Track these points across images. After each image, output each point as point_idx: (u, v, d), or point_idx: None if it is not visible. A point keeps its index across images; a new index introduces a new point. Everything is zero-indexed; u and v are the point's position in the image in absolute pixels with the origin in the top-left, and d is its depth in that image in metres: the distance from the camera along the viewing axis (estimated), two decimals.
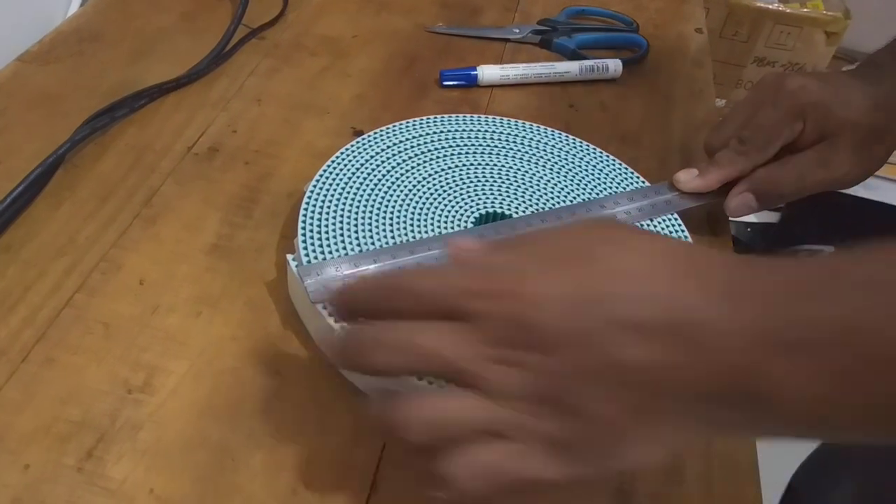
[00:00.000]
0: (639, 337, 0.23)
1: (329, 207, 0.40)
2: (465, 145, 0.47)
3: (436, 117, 0.48)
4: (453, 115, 0.49)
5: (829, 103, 0.42)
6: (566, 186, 0.45)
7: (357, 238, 0.39)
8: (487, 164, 0.45)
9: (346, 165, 0.43)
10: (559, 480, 0.24)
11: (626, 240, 0.26)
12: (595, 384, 0.24)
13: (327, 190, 0.41)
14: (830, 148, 0.42)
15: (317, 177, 0.42)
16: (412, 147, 0.46)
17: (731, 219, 0.45)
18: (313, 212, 0.40)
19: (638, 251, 0.25)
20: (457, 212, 0.42)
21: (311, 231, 0.39)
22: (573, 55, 0.61)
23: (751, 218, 1.26)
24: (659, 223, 0.43)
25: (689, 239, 0.42)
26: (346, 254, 0.38)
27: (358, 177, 0.43)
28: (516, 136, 0.48)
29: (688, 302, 0.23)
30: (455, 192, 0.43)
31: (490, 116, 0.49)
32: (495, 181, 0.44)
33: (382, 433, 0.29)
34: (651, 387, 0.24)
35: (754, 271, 0.24)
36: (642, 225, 0.42)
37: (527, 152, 0.47)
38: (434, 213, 0.41)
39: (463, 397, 0.25)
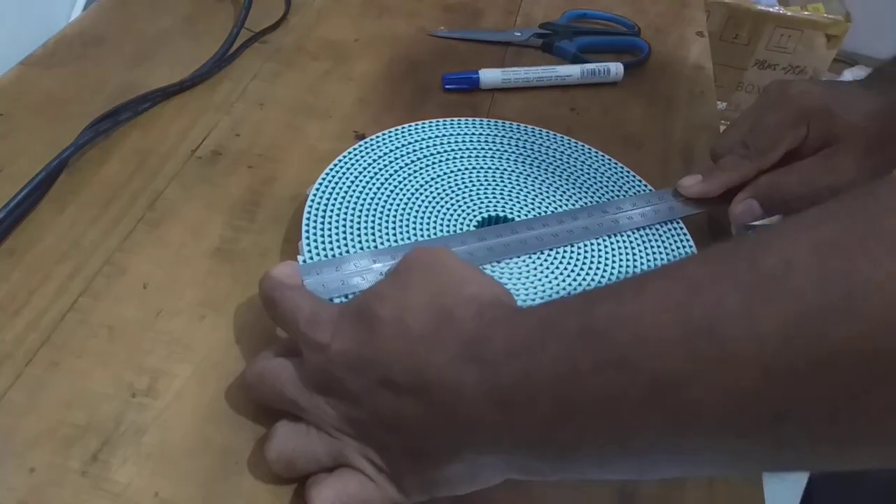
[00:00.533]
0: (396, 394, 0.27)
1: (332, 211, 0.40)
2: (468, 149, 0.47)
3: (438, 121, 0.48)
4: (455, 119, 0.49)
5: (833, 108, 0.41)
6: (568, 189, 0.45)
7: (360, 241, 0.39)
8: (490, 168, 0.46)
9: (348, 169, 0.43)
10: (395, 500, 0.29)
11: (412, 293, 0.29)
12: (388, 432, 0.28)
13: (330, 193, 0.42)
14: (836, 153, 0.42)
15: (319, 180, 0.42)
16: (414, 151, 0.46)
17: (733, 224, 0.45)
18: (317, 215, 0.40)
19: (410, 310, 0.28)
20: (459, 215, 0.42)
21: (315, 235, 0.39)
22: (574, 59, 0.61)
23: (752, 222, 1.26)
24: (662, 227, 0.43)
25: (693, 246, 0.42)
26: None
27: (361, 180, 0.43)
28: (518, 139, 0.48)
29: (431, 364, 0.26)
30: (457, 195, 0.43)
31: (492, 120, 0.49)
32: (497, 185, 0.44)
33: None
34: (418, 435, 0.27)
35: (494, 329, 0.26)
36: (648, 230, 0.43)
37: (529, 156, 0.47)
38: (437, 216, 0.42)
39: (313, 434, 0.29)
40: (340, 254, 0.38)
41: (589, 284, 0.39)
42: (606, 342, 0.23)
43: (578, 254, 0.40)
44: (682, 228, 0.43)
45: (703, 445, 0.23)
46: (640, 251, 0.41)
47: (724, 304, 0.21)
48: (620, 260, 0.41)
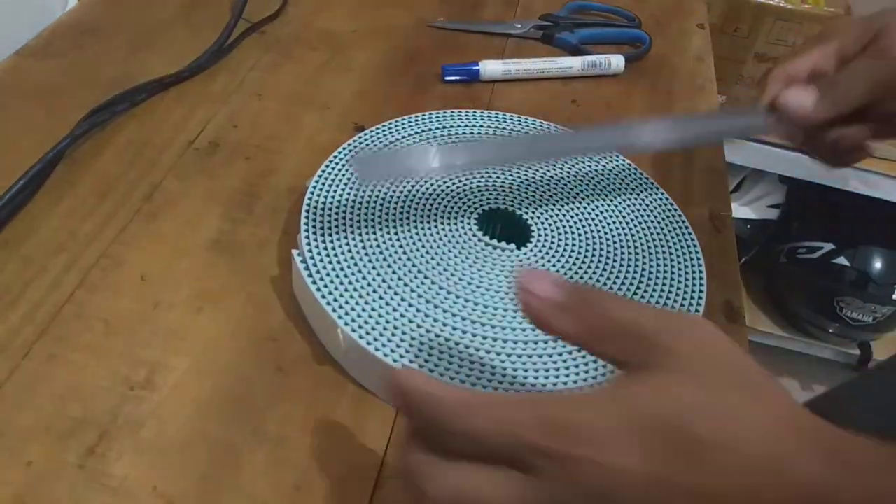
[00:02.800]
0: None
1: (332, 203, 0.40)
2: (468, 141, 0.46)
3: (438, 113, 0.48)
4: (456, 111, 0.48)
5: None
6: (569, 182, 0.45)
7: (360, 234, 0.39)
8: None
9: (348, 161, 0.43)
10: None
11: (727, 404, 0.23)
12: None
13: (329, 185, 0.41)
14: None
15: (319, 173, 0.42)
16: (414, 143, 0.45)
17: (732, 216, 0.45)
18: (316, 207, 0.40)
19: (735, 428, 0.22)
20: (460, 207, 0.42)
21: (315, 227, 0.38)
22: (575, 50, 0.60)
23: (750, 214, 1.26)
24: (664, 218, 0.43)
25: (695, 239, 0.42)
26: (349, 249, 0.38)
27: None
28: (519, 131, 0.48)
29: (763, 496, 0.21)
30: (458, 187, 0.43)
31: (493, 112, 0.49)
32: (498, 177, 0.44)
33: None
34: None
35: (843, 477, 0.22)
36: (652, 229, 0.42)
37: None
38: (437, 209, 0.41)
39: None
40: (341, 246, 0.38)
41: (592, 274, 0.39)
42: None
43: (580, 244, 0.40)
44: (682, 219, 0.43)
45: None
46: (640, 241, 0.41)
47: None
48: (622, 250, 0.40)
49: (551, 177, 0.45)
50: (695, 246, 0.42)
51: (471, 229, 0.40)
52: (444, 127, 0.47)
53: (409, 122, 0.47)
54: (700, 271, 0.40)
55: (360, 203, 0.41)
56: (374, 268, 0.37)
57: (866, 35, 0.38)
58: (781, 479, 0.21)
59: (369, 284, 0.36)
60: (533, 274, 0.25)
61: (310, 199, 0.40)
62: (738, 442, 0.22)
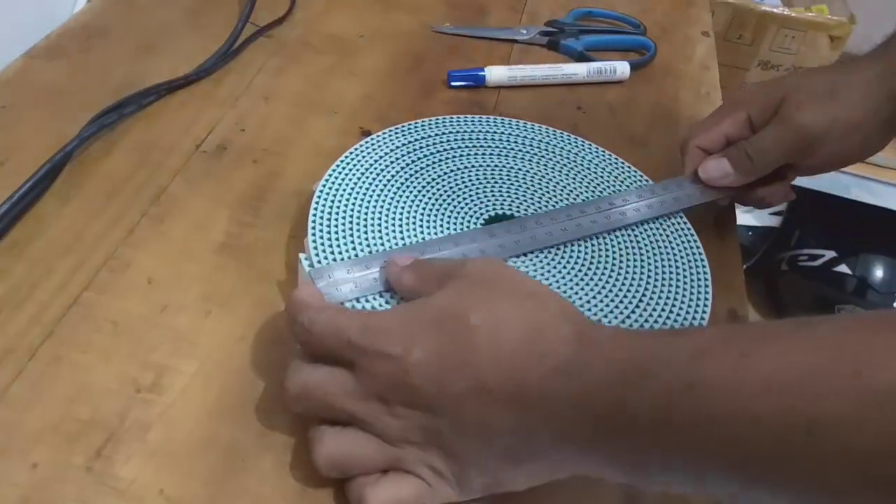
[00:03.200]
0: (489, 404, 0.27)
1: (339, 207, 0.40)
2: (474, 146, 0.46)
3: (444, 118, 0.48)
4: (462, 116, 0.48)
5: (834, 135, 0.42)
6: (575, 188, 0.45)
7: (367, 238, 0.39)
8: (496, 166, 0.45)
9: (355, 165, 0.43)
10: (449, 501, 0.29)
11: (498, 303, 0.29)
12: (466, 439, 0.28)
13: (337, 190, 0.41)
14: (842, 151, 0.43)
15: (326, 176, 0.42)
16: (421, 148, 0.45)
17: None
18: (323, 212, 0.40)
19: (502, 320, 0.28)
20: (466, 213, 0.42)
21: (322, 230, 0.39)
22: (580, 57, 0.61)
23: (752, 222, 1.26)
24: (666, 223, 0.43)
25: (700, 246, 0.42)
26: (357, 254, 0.38)
27: (367, 177, 0.43)
28: (524, 137, 0.48)
29: (528, 375, 0.27)
30: (464, 193, 0.43)
31: (499, 118, 0.49)
32: (504, 182, 0.44)
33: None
34: (505, 441, 0.28)
35: (595, 354, 0.27)
36: (653, 227, 0.42)
37: (535, 154, 0.47)
38: (443, 213, 0.41)
39: (367, 440, 0.29)
40: (347, 250, 0.38)
41: (598, 283, 0.39)
42: (704, 406, 0.24)
43: (586, 252, 0.40)
44: (687, 226, 0.43)
45: (784, 495, 0.24)
46: (646, 248, 0.41)
47: (824, 404, 0.22)
48: (628, 258, 0.40)
49: (556, 183, 0.45)
50: (700, 254, 0.42)
51: None
52: (450, 132, 0.47)
53: (416, 126, 0.47)
54: (706, 281, 0.40)
55: (367, 207, 0.41)
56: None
57: (771, 103, 0.43)
58: (542, 361, 0.27)
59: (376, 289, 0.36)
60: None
61: (317, 202, 0.40)
62: (507, 332, 0.28)
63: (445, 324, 0.29)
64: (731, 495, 0.25)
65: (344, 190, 0.41)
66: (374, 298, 0.35)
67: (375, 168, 0.43)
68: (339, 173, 0.42)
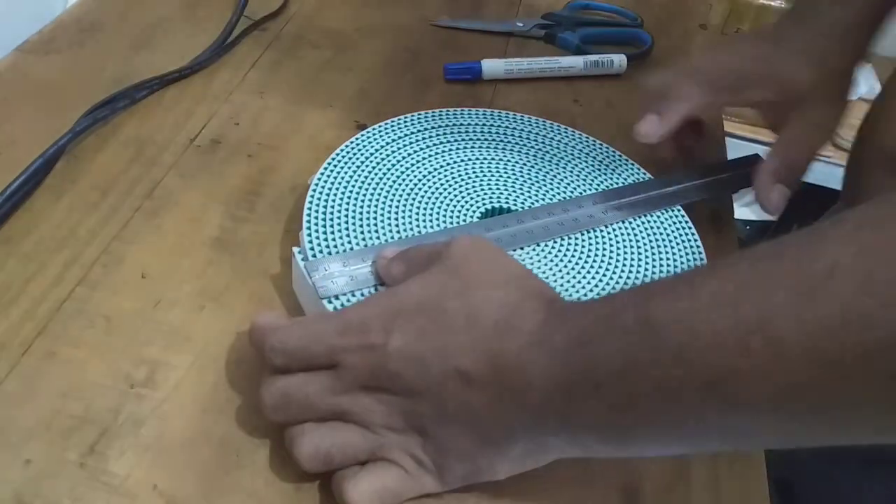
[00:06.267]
0: (467, 384, 0.27)
1: (334, 201, 0.40)
2: (470, 140, 0.46)
3: (440, 111, 0.48)
4: (458, 109, 0.48)
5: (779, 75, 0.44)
6: (572, 181, 0.44)
7: (362, 232, 0.39)
8: (493, 159, 0.45)
9: (350, 159, 0.43)
10: (429, 491, 0.30)
11: (476, 287, 0.29)
12: (446, 422, 0.28)
13: (332, 183, 0.41)
14: (812, 115, 0.44)
15: (321, 170, 0.42)
16: (416, 141, 0.45)
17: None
18: (318, 205, 0.39)
19: (480, 301, 0.29)
20: (462, 206, 0.41)
21: (317, 224, 0.38)
22: (577, 50, 0.60)
23: (750, 216, 1.26)
24: (664, 216, 0.43)
25: (697, 238, 0.42)
26: (352, 248, 0.38)
27: (362, 170, 0.42)
28: (521, 130, 0.48)
29: (504, 352, 0.27)
30: (460, 186, 0.43)
31: (495, 111, 0.49)
32: (500, 176, 0.44)
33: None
34: (484, 422, 0.28)
35: (561, 320, 0.27)
36: (650, 220, 0.42)
37: (532, 147, 0.47)
38: (439, 207, 0.41)
39: (348, 429, 0.29)
40: (342, 244, 0.38)
41: (595, 274, 0.39)
42: (663, 336, 0.24)
43: (583, 243, 0.40)
44: (684, 219, 0.43)
45: (756, 428, 0.25)
46: (643, 240, 0.41)
47: (772, 304, 0.22)
48: (625, 251, 0.40)
49: (553, 176, 0.45)
50: (698, 248, 0.41)
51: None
52: (446, 126, 0.47)
53: (412, 120, 0.46)
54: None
55: (362, 201, 0.40)
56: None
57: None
58: (516, 337, 0.27)
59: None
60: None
61: (312, 197, 0.40)
62: (483, 312, 0.28)
63: (424, 308, 0.29)
64: (720, 442, 0.26)
65: (339, 183, 0.41)
66: (370, 291, 0.35)
67: (371, 162, 0.43)
68: (335, 167, 0.42)
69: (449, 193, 0.42)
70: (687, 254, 0.41)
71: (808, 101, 0.44)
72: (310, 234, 0.38)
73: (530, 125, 0.48)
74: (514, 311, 0.28)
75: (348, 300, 0.35)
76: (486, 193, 0.43)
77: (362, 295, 0.35)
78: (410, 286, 0.30)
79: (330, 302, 0.34)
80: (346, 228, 0.39)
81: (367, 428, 0.29)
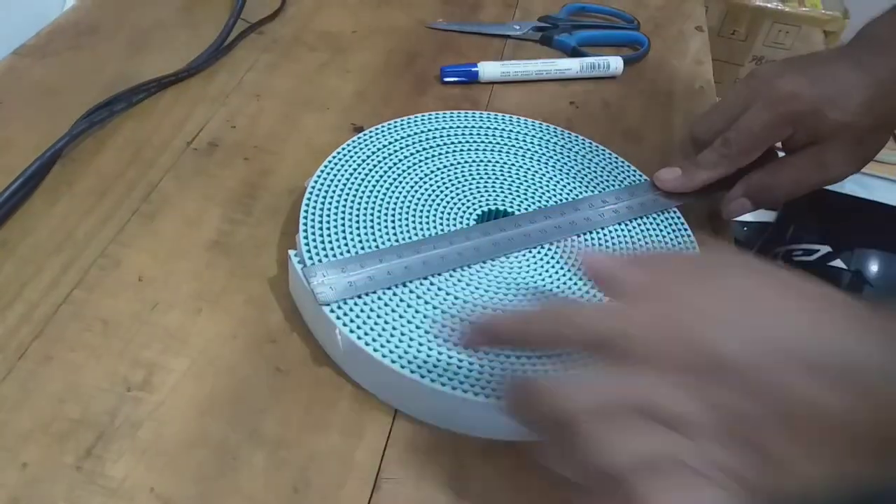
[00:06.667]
0: (821, 381, 0.24)
1: (331, 204, 0.40)
2: (467, 142, 0.46)
3: (437, 114, 0.48)
4: (454, 112, 0.48)
5: (823, 109, 0.40)
6: (568, 184, 0.45)
7: (359, 235, 0.39)
8: (489, 161, 0.45)
9: (347, 162, 0.43)
10: None
11: (778, 283, 0.26)
12: (782, 426, 0.24)
13: (329, 186, 0.41)
14: (826, 151, 0.41)
15: (318, 173, 0.42)
16: (413, 144, 0.45)
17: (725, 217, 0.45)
18: (315, 208, 0.39)
19: (798, 296, 0.26)
20: (458, 209, 0.42)
21: (313, 227, 0.38)
22: (574, 52, 0.60)
23: (747, 217, 1.26)
24: (660, 218, 0.43)
25: (694, 240, 0.42)
26: (348, 250, 0.38)
27: (359, 173, 0.42)
28: (518, 133, 0.48)
29: (856, 348, 0.24)
30: (457, 189, 0.43)
31: (491, 113, 0.49)
32: (497, 178, 0.44)
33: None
34: (829, 429, 0.24)
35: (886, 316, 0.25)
36: (646, 222, 0.42)
37: (528, 149, 0.47)
38: (436, 210, 0.41)
39: (665, 433, 0.25)
40: (339, 247, 0.38)
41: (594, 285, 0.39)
42: None
43: (580, 248, 0.40)
44: (680, 221, 0.43)
45: None
46: (640, 243, 0.41)
47: None
48: (622, 251, 0.40)
49: (550, 178, 0.45)
50: (695, 250, 0.41)
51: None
52: (443, 128, 0.47)
53: (409, 122, 0.47)
54: None
55: (359, 204, 0.40)
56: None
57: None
58: (864, 331, 0.24)
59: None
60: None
61: (308, 199, 0.40)
62: (825, 312, 0.25)
63: (740, 300, 0.26)
64: None
65: (336, 186, 0.41)
66: (369, 297, 0.35)
67: (367, 164, 0.43)
68: (331, 170, 0.42)
69: (446, 196, 0.42)
70: None
71: (834, 140, 0.41)
72: (306, 237, 0.38)
73: (527, 128, 0.48)
74: (842, 306, 0.26)
75: (351, 308, 0.35)
76: (482, 196, 0.43)
77: (364, 305, 0.35)
78: (723, 283, 0.27)
79: (332, 312, 0.34)
80: (343, 231, 0.39)
81: (677, 428, 0.25)
